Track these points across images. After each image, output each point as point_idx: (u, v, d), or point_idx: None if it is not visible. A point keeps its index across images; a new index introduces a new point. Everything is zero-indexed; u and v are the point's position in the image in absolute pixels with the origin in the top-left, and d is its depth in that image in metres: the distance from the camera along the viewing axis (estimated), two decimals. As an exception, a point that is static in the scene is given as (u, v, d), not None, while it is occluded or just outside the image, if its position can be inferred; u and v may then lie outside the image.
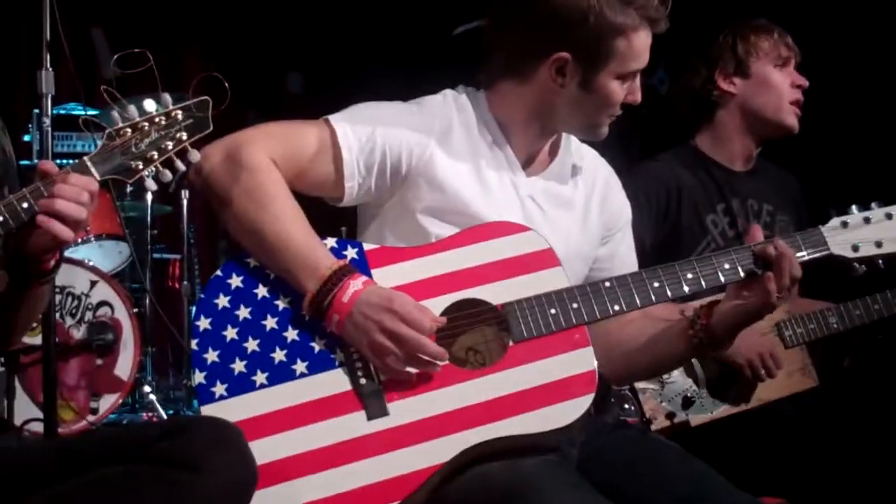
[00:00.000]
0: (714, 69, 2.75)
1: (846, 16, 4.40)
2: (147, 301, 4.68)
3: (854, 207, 2.03)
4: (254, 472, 1.63)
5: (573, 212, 2.09)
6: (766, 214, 2.74)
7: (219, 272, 1.88)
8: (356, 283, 1.79)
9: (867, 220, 2.00)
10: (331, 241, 1.88)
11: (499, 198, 1.99)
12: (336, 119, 1.93)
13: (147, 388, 4.39)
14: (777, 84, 2.72)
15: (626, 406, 2.61)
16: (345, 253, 1.87)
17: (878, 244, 1.99)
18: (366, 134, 1.92)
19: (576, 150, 2.15)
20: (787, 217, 2.78)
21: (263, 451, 1.70)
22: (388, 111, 1.99)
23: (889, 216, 2.01)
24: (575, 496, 1.70)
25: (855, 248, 1.98)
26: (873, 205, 2.03)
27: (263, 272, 1.87)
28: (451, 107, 2.02)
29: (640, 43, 1.94)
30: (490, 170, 2.00)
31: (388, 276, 1.85)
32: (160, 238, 5.18)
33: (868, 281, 2.32)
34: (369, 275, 1.85)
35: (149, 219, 4.81)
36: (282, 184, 1.86)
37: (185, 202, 4.99)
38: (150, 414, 4.30)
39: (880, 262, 2.01)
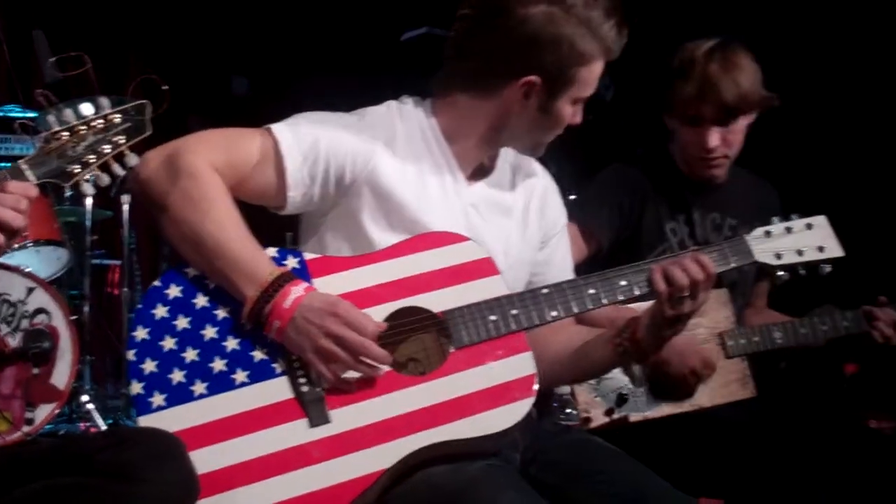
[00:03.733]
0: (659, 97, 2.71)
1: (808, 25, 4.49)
2: (86, 308, 4.61)
3: (775, 219, 2.12)
4: (195, 483, 1.62)
5: (513, 219, 2.12)
6: (728, 228, 2.74)
7: (157, 282, 1.87)
8: (297, 290, 1.79)
9: (789, 230, 2.09)
10: (271, 251, 1.88)
11: (441, 206, 2.01)
12: (279, 128, 1.93)
13: (85, 398, 4.29)
14: (683, 141, 2.68)
15: (569, 411, 2.65)
16: (285, 262, 1.87)
17: (800, 252, 2.08)
18: (309, 144, 1.93)
19: (514, 156, 2.18)
20: None
21: (203, 461, 1.70)
22: (332, 121, 1.99)
23: (809, 226, 2.11)
24: (517, 499, 1.72)
25: (778, 256, 2.07)
26: (794, 216, 2.12)
27: (203, 282, 1.86)
28: (394, 116, 2.04)
29: (597, 72, 2.01)
30: (433, 179, 2.02)
31: (329, 285, 1.86)
32: (100, 244, 5.09)
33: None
34: (311, 284, 1.85)
35: (88, 224, 4.73)
36: (222, 190, 1.85)
37: (125, 207, 4.92)
38: (87, 424, 4.21)
39: (801, 270, 2.09)
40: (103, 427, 4.14)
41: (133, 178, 1.86)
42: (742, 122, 2.61)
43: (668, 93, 2.62)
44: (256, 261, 1.81)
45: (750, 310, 2.81)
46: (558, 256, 2.23)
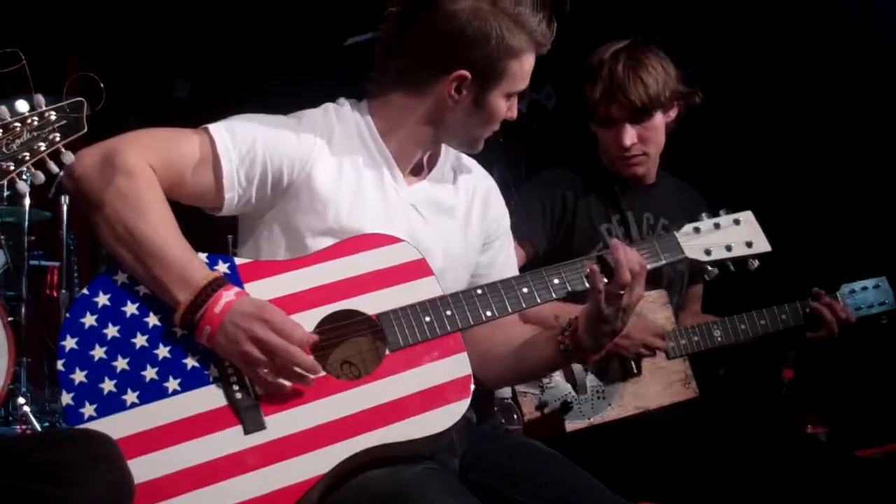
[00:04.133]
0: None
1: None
2: (23, 310, 4.52)
3: (704, 215, 2.14)
4: (130, 486, 1.60)
5: (455, 219, 2.12)
6: (661, 228, 2.77)
7: (85, 290, 1.84)
8: (228, 294, 1.77)
9: (717, 226, 2.12)
10: (202, 256, 1.85)
11: (379, 207, 2.00)
12: (216, 128, 1.91)
13: (21, 400, 4.23)
14: (602, 143, 2.73)
15: (510, 415, 2.66)
16: (216, 268, 1.85)
17: (728, 248, 2.11)
18: (246, 145, 1.90)
19: (455, 158, 2.18)
20: None
21: (137, 471, 1.66)
22: (270, 123, 1.97)
23: (737, 222, 2.14)
24: (455, 503, 1.72)
25: (707, 252, 2.10)
26: (721, 212, 2.15)
27: (133, 289, 1.83)
28: (332, 118, 2.03)
29: (529, 65, 2.02)
30: (371, 180, 2.01)
31: (261, 290, 1.84)
32: (38, 244, 5.01)
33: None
34: (242, 289, 1.83)
35: (26, 224, 4.64)
36: (158, 191, 1.82)
37: (64, 208, 4.84)
38: (23, 427, 4.15)
39: (730, 265, 2.11)
40: (39, 430, 4.07)
41: (68, 176, 1.82)
42: (658, 120, 2.64)
43: (583, 100, 2.67)
44: (190, 265, 1.79)
45: (685, 313, 2.84)
46: (502, 258, 2.23)
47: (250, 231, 2.03)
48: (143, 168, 1.82)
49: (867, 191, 4.15)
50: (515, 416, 2.60)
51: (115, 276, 1.83)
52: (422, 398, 1.82)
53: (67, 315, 1.82)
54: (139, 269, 1.80)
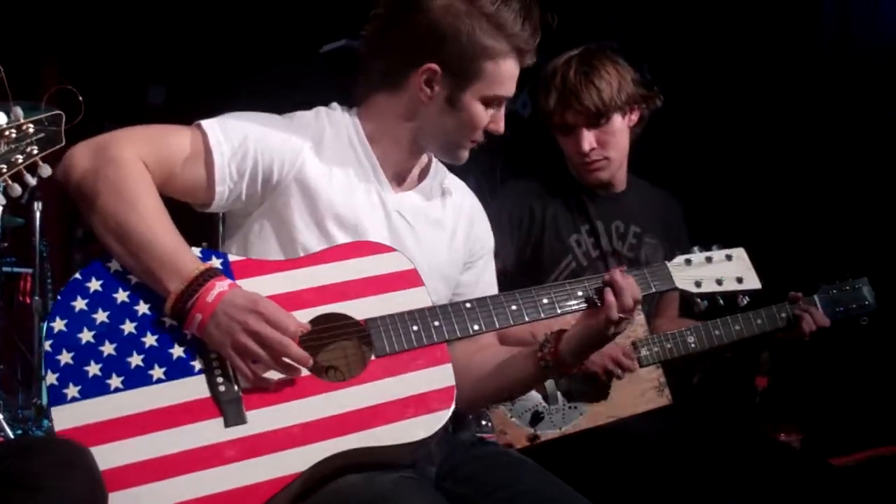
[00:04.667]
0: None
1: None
2: (-4, 316, 4.50)
3: (696, 248, 2.19)
4: (102, 494, 1.59)
5: (441, 231, 2.15)
6: (633, 236, 2.79)
7: (78, 275, 1.85)
8: (222, 285, 1.78)
9: (709, 260, 2.17)
10: (195, 251, 1.87)
11: (366, 207, 2.03)
12: (208, 123, 1.94)
13: (-7, 407, 4.19)
14: (564, 150, 2.76)
15: (484, 423, 2.66)
16: (209, 262, 1.86)
17: (719, 282, 2.16)
18: (238, 139, 1.93)
19: (444, 177, 2.22)
20: (657, 239, 2.82)
21: (114, 455, 1.68)
22: (261, 120, 2.01)
23: (729, 257, 2.19)
24: None
25: (698, 284, 2.14)
26: (714, 246, 2.20)
27: (125, 277, 1.84)
28: (323, 121, 2.07)
29: (507, 70, 2.03)
30: (358, 182, 2.04)
31: (252, 288, 1.85)
32: (11, 251, 4.99)
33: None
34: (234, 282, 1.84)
35: (-1, 231, 4.64)
36: (150, 184, 1.85)
37: (38, 214, 4.83)
38: (-4, 433, 4.10)
39: (720, 299, 2.16)
40: (12, 437, 4.01)
41: (60, 169, 1.84)
42: (617, 123, 2.67)
43: (539, 110, 2.71)
44: (182, 255, 1.80)
45: (662, 319, 2.86)
46: (486, 277, 2.26)
47: (238, 228, 2.05)
48: (135, 162, 1.85)
49: (847, 192, 4.19)
50: (489, 424, 2.60)
51: (108, 264, 1.85)
52: (404, 405, 1.83)
53: (59, 297, 1.83)
54: (131, 260, 1.82)
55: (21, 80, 1.72)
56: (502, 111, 2.09)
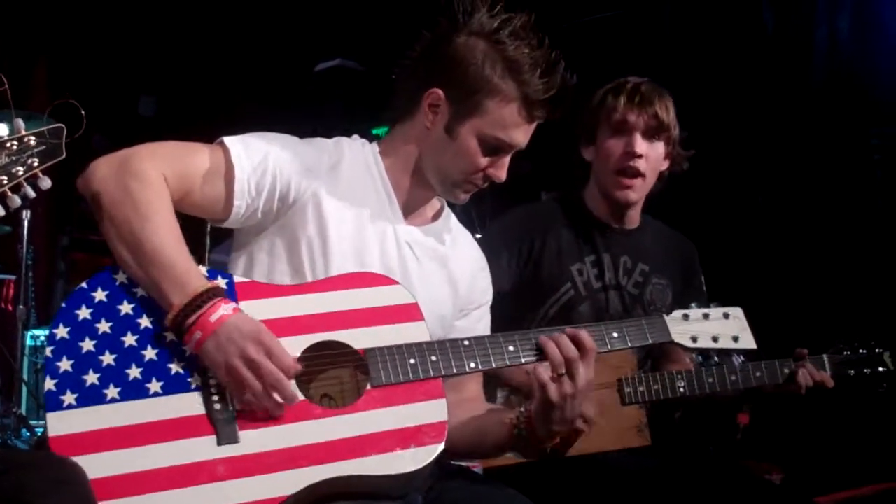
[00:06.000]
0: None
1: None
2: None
3: (693, 304, 2.21)
4: None
5: (445, 271, 2.19)
6: (640, 274, 2.79)
7: (84, 284, 1.87)
8: (227, 307, 1.81)
9: (706, 317, 2.20)
10: (202, 269, 1.90)
11: (375, 237, 2.07)
12: (230, 140, 1.99)
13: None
14: (607, 154, 2.73)
15: None
16: (214, 281, 1.88)
17: (715, 339, 2.19)
18: (259, 156, 1.98)
19: (454, 224, 2.27)
20: (666, 280, 2.82)
21: (105, 465, 1.69)
22: (282, 140, 2.06)
23: (726, 315, 2.22)
24: None
25: (693, 339, 2.17)
26: (713, 304, 2.23)
27: (130, 290, 1.87)
28: (342, 147, 2.12)
29: (509, 115, 2.03)
30: (371, 210, 2.09)
31: (254, 310, 1.88)
32: (-4, 258, 5.00)
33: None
34: (237, 306, 1.86)
35: (-14, 238, 4.64)
36: (168, 200, 1.88)
37: (25, 222, 4.84)
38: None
39: (715, 356, 2.19)
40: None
41: (82, 178, 1.88)
42: (661, 149, 2.70)
43: (597, 111, 2.73)
44: (189, 271, 1.83)
45: (669, 362, 2.75)
46: (480, 328, 2.27)
47: (246, 245, 2.08)
48: (157, 177, 1.89)
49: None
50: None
51: (115, 275, 1.88)
52: (397, 436, 1.85)
53: (63, 305, 1.85)
54: (139, 271, 1.84)
55: (11, 90, 1.74)
56: (506, 159, 2.10)
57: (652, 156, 2.70)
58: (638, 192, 2.73)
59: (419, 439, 1.85)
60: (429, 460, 1.84)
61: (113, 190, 1.85)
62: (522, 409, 2.05)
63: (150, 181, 1.87)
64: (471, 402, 2.20)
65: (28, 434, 4.64)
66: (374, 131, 5.04)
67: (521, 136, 2.08)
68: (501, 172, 2.11)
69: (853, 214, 4.32)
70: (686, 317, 2.17)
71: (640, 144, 2.68)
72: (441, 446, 1.86)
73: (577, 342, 1.96)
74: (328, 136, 2.18)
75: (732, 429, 3.56)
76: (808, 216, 4.49)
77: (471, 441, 2.14)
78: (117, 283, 1.87)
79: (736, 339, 2.20)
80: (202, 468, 1.75)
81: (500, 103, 2.03)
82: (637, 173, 2.70)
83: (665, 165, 2.76)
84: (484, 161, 2.08)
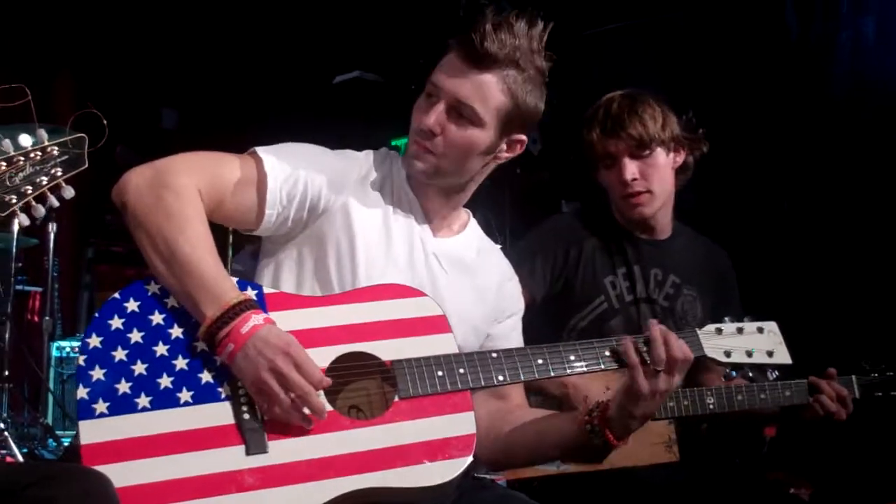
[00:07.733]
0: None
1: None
2: (7, 335, 4.51)
3: (727, 318, 2.19)
4: None
5: (474, 282, 2.19)
6: (671, 286, 2.77)
7: (117, 295, 1.89)
8: (257, 318, 1.82)
9: (740, 331, 2.18)
10: (232, 279, 1.92)
11: (403, 248, 2.09)
12: (263, 150, 2.02)
13: (0, 426, 4.20)
14: (608, 186, 2.74)
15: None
16: (245, 293, 1.90)
17: (749, 353, 2.16)
18: (291, 166, 2.01)
19: (480, 235, 2.28)
20: (696, 291, 2.80)
21: (135, 473, 1.71)
22: (313, 151, 2.09)
23: (760, 330, 2.20)
24: None
25: (727, 354, 2.15)
26: (746, 318, 2.20)
27: (162, 301, 1.89)
28: (372, 160, 2.15)
29: (445, 61, 2.06)
30: (399, 221, 2.11)
31: (283, 320, 1.89)
32: (23, 270, 5.03)
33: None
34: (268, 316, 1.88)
35: (14, 250, 4.68)
36: (201, 212, 1.91)
37: (52, 235, 4.88)
38: (2, 452, 4.11)
39: (749, 371, 2.17)
40: (19, 456, 4.02)
41: (116, 189, 1.91)
42: (660, 157, 2.67)
43: (583, 146, 2.71)
44: (222, 283, 1.85)
45: (708, 374, 2.75)
46: (514, 337, 2.27)
47: (274, 252, 2.10)
48: (191, 189, 1.91)
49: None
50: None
51: (147, 286, 1.90)
52: (425, 449, 1.85)
53: (96, 315, 1.87)
54: (173, 282, 1.86)
55: (35, 102, 1.77)
56: (437, 106, 2.05)
57: (649, 170, 2.68)
58: (650, 205, 2.71)
59: (447, 452, 1.86)
60: (457, 473, 1.85)
61: (147, 201, 1.88)
62: (595, 407, 2.03)
63: (184, 193, 1.89)
64: (520, 409, 2.20)
65: (55, 444, 4.68)
66: (394, 143, 5.09)
67: (443, 76, 2.04)
68: (420, 114, 2.08)
69: (878, 221, 4.29)
70: (719, 331, 2.15)
71: (630, 169, 2.66)
72: (469, 459, 1.87)
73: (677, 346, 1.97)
74: (347, 147, 2.19)
75: (759, 441, 3.52)
76: (834, 223, 4.46)
77: (531, 444, 2.12)
78: (149, 294, 1.89)
79: (770, 353, 2.17)
80: (231, 478, 1.76)
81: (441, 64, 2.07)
82: (640, 195, 2.69)
83: (676, 163, 2.73)
84: (420, 116, 2.07)
